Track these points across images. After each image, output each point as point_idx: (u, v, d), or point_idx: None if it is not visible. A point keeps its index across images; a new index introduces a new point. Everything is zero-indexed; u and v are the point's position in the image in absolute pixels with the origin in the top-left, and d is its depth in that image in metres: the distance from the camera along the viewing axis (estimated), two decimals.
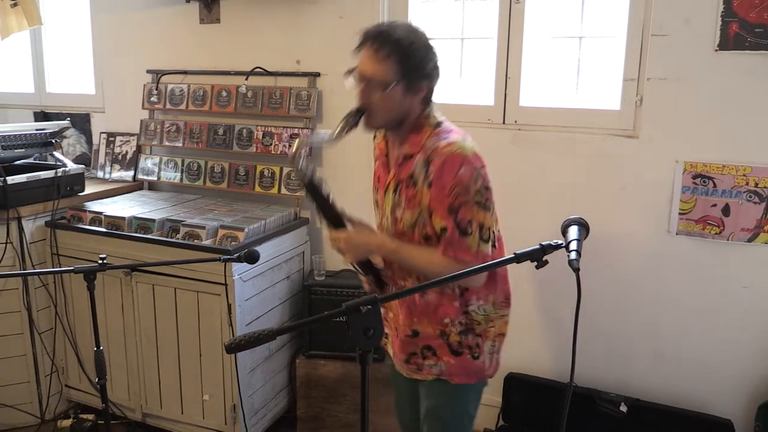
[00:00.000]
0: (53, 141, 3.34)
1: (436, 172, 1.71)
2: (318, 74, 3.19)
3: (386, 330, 2.06)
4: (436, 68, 1.79)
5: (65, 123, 3.48)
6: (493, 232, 1.80)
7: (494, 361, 1.96)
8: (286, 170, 3.20)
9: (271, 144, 3.23)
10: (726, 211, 2.54)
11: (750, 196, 2.50)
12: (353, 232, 1.87)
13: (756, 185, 2.48)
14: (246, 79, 3.27)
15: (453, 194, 1.70)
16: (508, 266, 1.88)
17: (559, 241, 1.37)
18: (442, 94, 3.03)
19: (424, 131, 1.79)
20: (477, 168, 1.72)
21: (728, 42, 2.44)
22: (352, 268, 2.01)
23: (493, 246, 1.82)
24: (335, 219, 1.86)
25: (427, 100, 1.82)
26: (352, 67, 1.79)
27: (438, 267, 1.74)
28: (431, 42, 1.79)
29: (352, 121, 1.75)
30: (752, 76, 2.43)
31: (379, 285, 1.99)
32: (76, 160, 3.70)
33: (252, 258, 2.17)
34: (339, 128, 1.74)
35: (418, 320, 1.91)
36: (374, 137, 2.06)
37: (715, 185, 2.54)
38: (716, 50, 2.46)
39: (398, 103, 1.75)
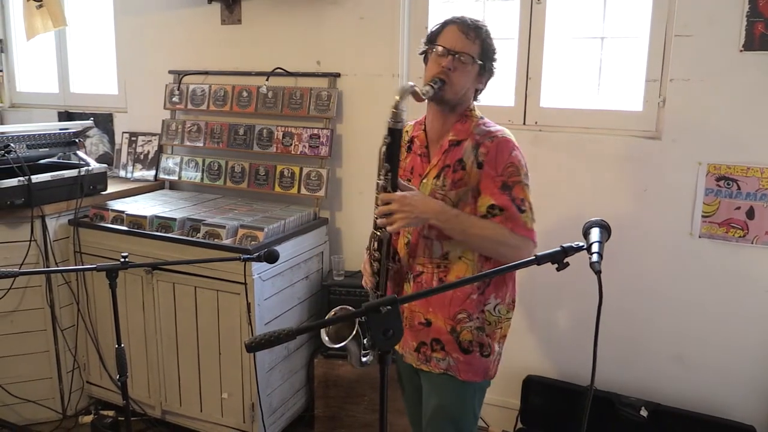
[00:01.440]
0: (77, 140, 3.39)
1: (490, 153, 1.83)
2: (338, 75, 3.19)
3: None
4: (494, 68, 1.95)
5: (88, 123, 3.52)
6: None
7: (497, 363, 1.99)
8: (305, 170, 3.21)
9: (291, 144, 3.25)
10: (750, 214, 2.51)
11: None
12: (410, 193, 1.84)
13: None
14: (267, 80, 3.29)
15: (507, 173, 1.82)
16: (523, 270, 1.89)
17: (581, 243, 1.36)
18: None
19: (470, 121, 1.91)
20: (522, 155, 1.87)
21: (753, 42, 2.40)
22: (369, 252, 1.96)
23: None
24: (394, 180, 1.83)
25: (477, 94, 1.96)
26: (431, 45, 1.90)
27: (503, 237, 1.79)
28: None
29: (438, 85, 1.82)
30: None
31: (379, 283, 1.97)
32: (98, 160, 3.75)
33: (271, 257, 2.18)
34: (426, 90, 1.81)
35: (433, 310, 1.92)
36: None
37: (739, 188, 2.51)
38: (741, 51, 2.43)
39: (469, 83, 1.88)
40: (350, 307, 1.86)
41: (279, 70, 3.29)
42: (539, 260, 1.33)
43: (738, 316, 2.59)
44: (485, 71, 1.91)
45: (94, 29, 4.04)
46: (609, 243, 1.43)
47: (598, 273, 1.27)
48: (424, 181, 1.92)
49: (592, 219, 1.45)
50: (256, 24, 3.38)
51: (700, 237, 2.60)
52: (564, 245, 1.34)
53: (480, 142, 1.84)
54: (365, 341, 1.87)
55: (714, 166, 2.54)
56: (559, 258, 1.33)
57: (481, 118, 1.93)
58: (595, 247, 1.35)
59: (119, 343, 2.14)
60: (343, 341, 1.74)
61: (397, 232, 1.98)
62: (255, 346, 1.25)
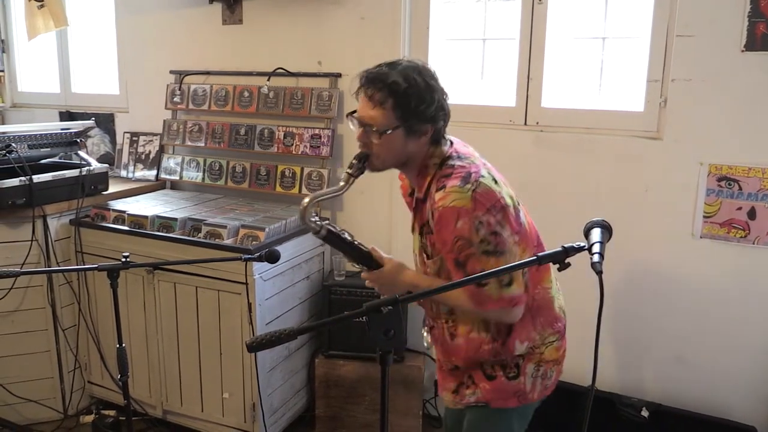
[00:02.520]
0: (78, 140, 3.39)
1: (435, 227, 1.67)
2: (339, 75, 3.19)
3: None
4: (440, 110, 1.70)
5: (90, 123, 3.52)
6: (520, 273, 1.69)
7: (539, 386, 1.85)
8: (306, 170, 3.21)
9: (292, 144, 3.25)
10: (752, 214, 2.50)
11: None
12: (381, 272, 1.81)
13: None
14: (268, 80, 3.29)
15: (456, 249, 1.62)
16: (550, 291, 1.86)
17: (582, 244, 1.36)
18: (464, 95, 3.05)
19: (428, 173, 1.73)
20: (477, 216, 1.60)
21: (755, 42, 2.40)
22: None
23: (526, 285, 1.73)
24: (365, 260, 1.83)
25: (435, 140, 1.73)
26: (353, 111, 1.76)
27: (472, 314, 1.76)
28: (435, 82, 1.71)
29: (356, 170, 1.72)
30: None
31: None
32: (100, 160, 3.75)
33: (273, 257, 2.18)
34: (344, 180, 1.72)
35: (455, 359, 1.88)
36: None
37: (740, 188, 2.50)
38: (742, 51, 2.43)
39: (400, 148, 1.70)
40: None
41: (280, 70, 3.29)
42: (540, 260, 1.33)
43: (739, 316, 2.58)
44: (414, 127, 1.66)
45: (96, 29, 4.04)
46: (610, 243, 1.43)
47: (599, 273, 1.27)
48: (414, 233, 1.87)
49: (594, 219, 1.45)
50: (257, 24, 3.38)
51: (701, 237, 2.59)
52: (565, 245, 1.34)
53: (432, 211, 1.67)
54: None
55: (715, 167, 2.53)
56: (561, 258, 1.33)
57: (440, 166, 1.71)
58: (596, 248, 1.35)
59: (120, 342, 2.15)
60: None
61: None
62: (256, 346, 1.25)
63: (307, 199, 1.68)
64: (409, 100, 1.64)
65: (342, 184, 1.72)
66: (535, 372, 1.83)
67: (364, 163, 1.73)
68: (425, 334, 2.05)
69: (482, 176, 1.65)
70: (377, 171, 1.78)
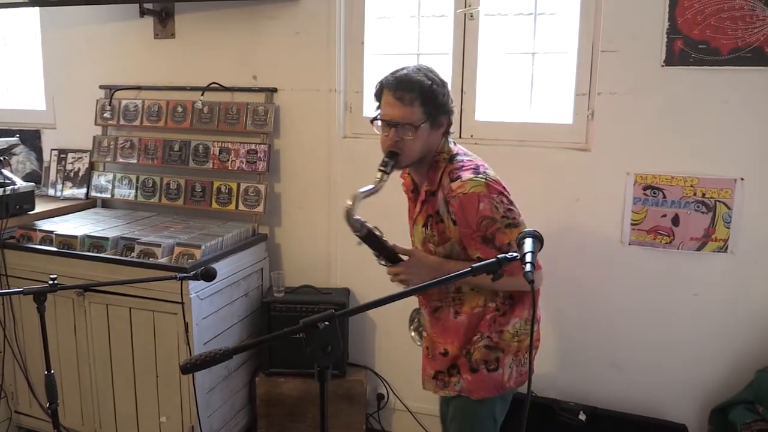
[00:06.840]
0: (1, 158, 3.24)
1: (457, 213, 1.84)
2: (275, 89, 3.18)
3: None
4: (451, 101, 1.93)
5: (14, 140, 3.37)
6: None
7: (515, 374, 1.99)
8: (243, 186, 3.17)
9: (228, 160, 3.20)
10: (675, 221, 2.62)
11: (698, 207, 2.58)
12: (412, 260, 1.96)
13: (703, 195, 2.57)
14: (202, 95, 3.24)
15: (482, 227, 1.82)
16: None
17: (515, 254, 1.39)
18: None
19: (439, 167, 1.93)
20: (494, 198, 1.83)
21: (674, 58, 2.53)
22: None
23: None
24: (391, 256, 1.97)
25: (446, 133, 1.96)
26: (375, 116, 1.92)
27: (506, 283, 1.71)
28: (442, 77, 1.93)
29: (390, 167, 1.86)
30: (697, 91, 2.52)
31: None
32: (25, 178, 3.61)
33: (209, 275, 2.14)
34: (379, 179, 1.85)
35: (451, 340, 2.00)
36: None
37: (664, 196, 2.62)
38: (663, 65, 2.55)
39: (425, 140, 1.89)
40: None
41: (215, 85, 3.24)
42: (474, 271, 1.35)
43: (668, 319, 2.69)
44: (436, 120, 1.89)
45: (19, 43, 3.89)
46: (543, 251, 1.47)
47: (531, 282, 1.31)
48: (416, 226, 2.01)
49: (525, 230, 1.49)
50: (190, 38, 3.33)
51: (630, 244, 2.70)
52: (498, 256, 1.37)
53: (447, 200, 1.86)
54: None
55: (641, 176, 2.64)
56: (494, 268, 1.36)
57: (450, 161, 1.92)
58: (528, 257, 1.38)
59: (49, 369, 2.06)
60: None
61: None
62: (191, 367, 1.23)
63: (350, 200, 1.83)
64: (435, 92, 1.86)
65: (377, 181, 1.85)
66: (512, 363, 1.97)
67: (396, 160, 1.87)
68: (413, 333, 2.20)
69: (487, 168, 1.92)
70: (403, 168, 1.96)
